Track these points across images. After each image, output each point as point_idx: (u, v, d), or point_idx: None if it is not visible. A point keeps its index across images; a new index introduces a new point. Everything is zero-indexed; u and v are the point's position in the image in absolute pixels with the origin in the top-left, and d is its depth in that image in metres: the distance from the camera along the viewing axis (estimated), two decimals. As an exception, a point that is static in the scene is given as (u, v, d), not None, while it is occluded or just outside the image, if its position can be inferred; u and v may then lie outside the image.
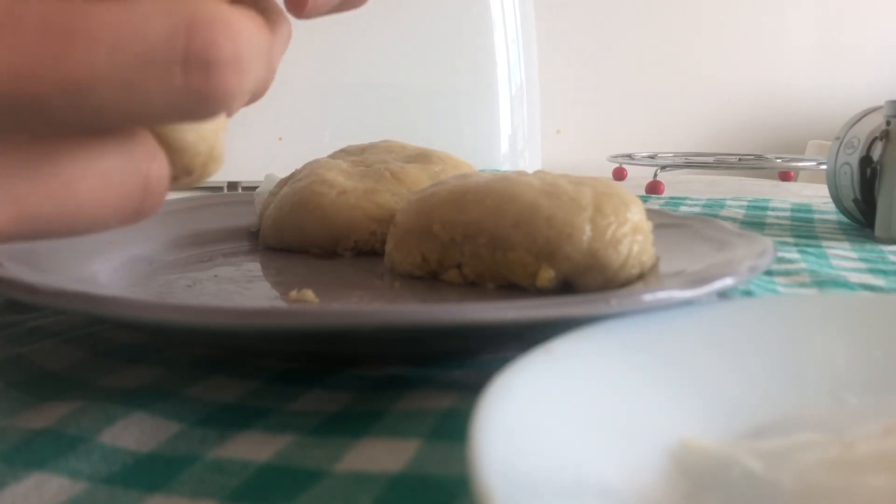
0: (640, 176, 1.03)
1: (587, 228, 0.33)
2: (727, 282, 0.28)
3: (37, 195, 0.15)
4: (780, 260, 0.46)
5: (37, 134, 0.15)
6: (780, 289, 0.40)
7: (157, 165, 0.17)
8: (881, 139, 0.54)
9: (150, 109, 0.14)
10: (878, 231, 0.54)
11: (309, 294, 0.33)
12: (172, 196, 0.35)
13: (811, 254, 0.49)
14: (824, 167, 0.63)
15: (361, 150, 0.50)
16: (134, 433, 0.22)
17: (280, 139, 1.26)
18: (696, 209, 0.70)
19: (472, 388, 0.24)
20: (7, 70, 0.13)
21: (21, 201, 0.15)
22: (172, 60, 0.14)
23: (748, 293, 0.38)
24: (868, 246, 0.52)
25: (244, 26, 0.15)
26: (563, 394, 0.19)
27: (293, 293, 0.33)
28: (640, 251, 0.34)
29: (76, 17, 0.13)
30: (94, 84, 0.13)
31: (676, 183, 1.00)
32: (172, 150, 0.18)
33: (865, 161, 0.56)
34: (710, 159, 1.20)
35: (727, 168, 1.18)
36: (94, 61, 0.13)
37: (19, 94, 0.13)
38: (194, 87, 0.14)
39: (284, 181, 0.48)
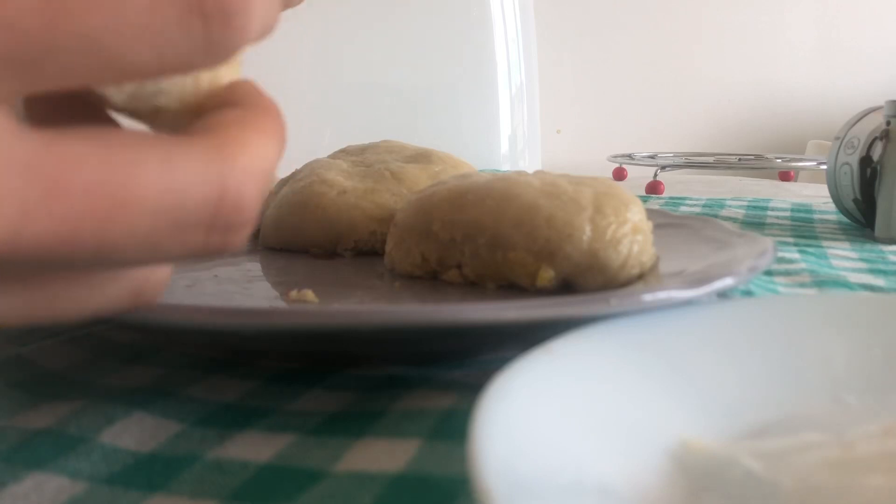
0: (640, 176, 1.03)
1: (587, 228, 0.33)
2: (727, 282, 0.28)
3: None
4: (780, 260, 0.46)
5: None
6: (780, 289, 0.40)
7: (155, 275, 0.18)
8: (881, 139, 0.54)
9: (165, 259, 0.15)
10: (878, 231, 0.54)
11: (309, 294, 0.33)
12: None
13: (811, 254, 0.49)
14: (824, 167, 0.63)
15: (361, 150, 0.50)
16: (134, 433, 0.22)
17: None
18: (696, 209, 0.70)
19: (472, 388, 0.24)
20: (49, 237, 0.13)
21: None
22: (199, 225, 0.15)
23: (748, 293, 0.38)
24: (868, 246, 0.52)
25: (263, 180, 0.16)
26: (563, 394, 0.19)
27: (293, 293, 0.33)
28: (640, 251, 0.34)
29: (124, 185, 0.13)
30: (126, 248, 0.14)
31: (676, 183, 1.00)
32: None
33: (865, 161, 0.56)
34: (710, 159, 1.21)
35: (727, 168, 1.18)
36: (133, 229, 0.14)
37: (53, 257, 0.13)
38: (212, 247, 0.15)
39: (284, 181, 0.48)
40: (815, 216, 0.67)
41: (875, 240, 0.54)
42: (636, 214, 0.34)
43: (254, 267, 0.41)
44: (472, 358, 0.28)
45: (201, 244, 0.15)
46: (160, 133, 0.15)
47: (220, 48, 0.14)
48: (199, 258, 0.16)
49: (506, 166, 1.34)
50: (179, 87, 0.16)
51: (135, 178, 0.13)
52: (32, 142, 0.13)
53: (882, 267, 0.45)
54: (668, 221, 0.43)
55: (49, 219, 0.13)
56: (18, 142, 0.12)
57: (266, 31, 0.16)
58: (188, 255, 0.15)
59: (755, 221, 0.63)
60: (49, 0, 0.12)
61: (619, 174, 1.10)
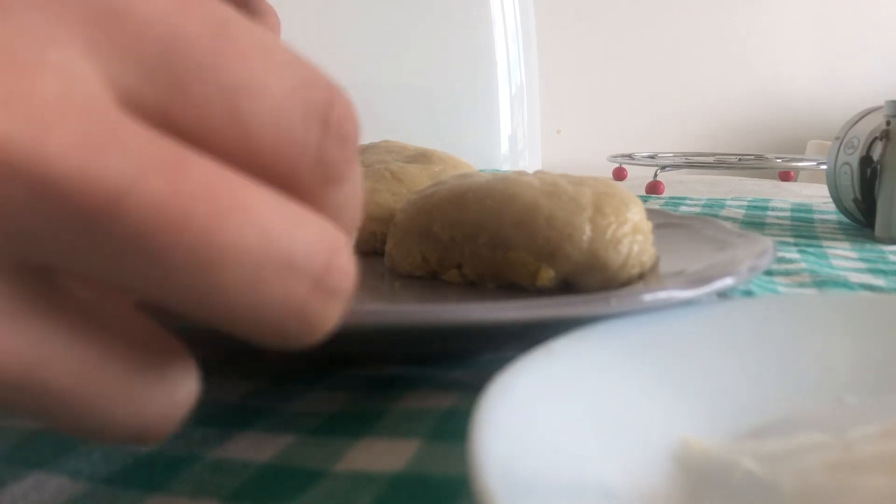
0: (640, 176, 1.03)
1: (587, 228, 0.33)
2: (727, 282, 0.28)
3: None
4: (780, 260, 0.46)
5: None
6: (780, 289, 0.40)
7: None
8: (881, 139, 0.54)
9: (259, 307, 0.13)
10: (878, 231, 0.54)
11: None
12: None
13: (811, 254, 0.49)
14: (824, 167, 0.63)
15: (361, 150, 0.50)
16: (134, 433, 0.22)
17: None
18: (696, 209, 0.70)
19: (472, 388, 0.24)
20: (159, 201, 0.11)
21: None
22: (308, 274, 0.13)
23: (748, 293, 0.38)
24: (868, 246, 0.52)
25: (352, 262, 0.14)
26: (563, 394, 0.19)
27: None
28: (640, 251, 0.34)
29: (245, 187, 0.12)
30: (228, 261, 0.12)
31: (676, 183, 0.99)
32: None
33: (865, 161, 0.56)
34: (710, 159, 1.20)
35: (727, 168, 1.18)
36: (244, 237, 0.12)
37: (153, 239, 0.11)
38: (311, 311, 0.14)
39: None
40: (815, 216, 0.67)
41: (875, 240, 0.54)
42: (636, 214, 0.34)
43: (254, 267, 0.41)
44: (472, 358, 0.28)
45: (301, 302, 0.13)
46: None
47: (325, 166, 0.14)
48: (283, 336, 0.14)
49: (506, 166, 1.34)
50: None
51: (254, 194, 0.12)
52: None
53: (882, 267, 0.45)
54: (668, 221, 0.43)
55: (163, 182, 0.11)
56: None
57: (351, 223, 0.15)
58: (283, 316, 0.13)
59: (755, 221, 0.63)
60: (213, 26, 0.13)
61: (619, 174, 1.10)
